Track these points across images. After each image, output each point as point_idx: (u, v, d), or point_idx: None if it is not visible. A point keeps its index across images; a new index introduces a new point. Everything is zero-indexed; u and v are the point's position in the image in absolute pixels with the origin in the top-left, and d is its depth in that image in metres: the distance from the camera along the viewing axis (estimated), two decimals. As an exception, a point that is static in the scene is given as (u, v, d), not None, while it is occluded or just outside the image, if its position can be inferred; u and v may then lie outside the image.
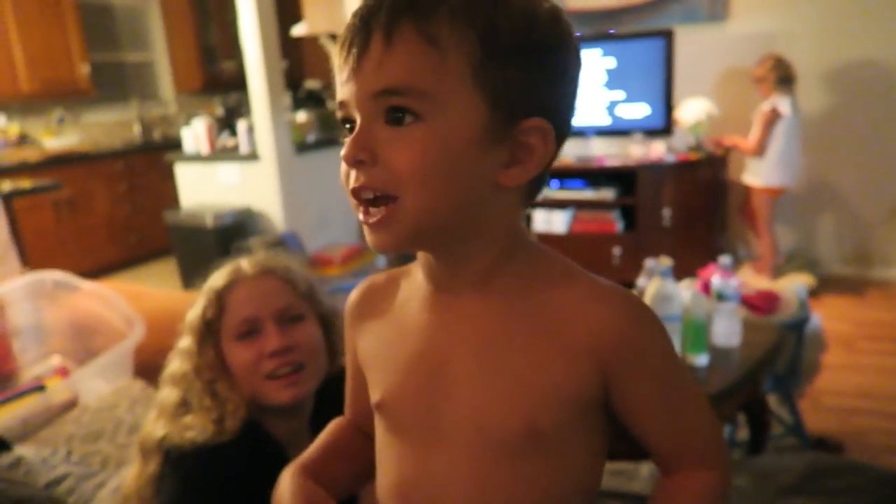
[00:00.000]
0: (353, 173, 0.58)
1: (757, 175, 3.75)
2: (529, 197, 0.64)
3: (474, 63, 0.55)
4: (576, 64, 0.61)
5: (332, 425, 0.79)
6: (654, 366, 0.63)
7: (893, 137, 3.87)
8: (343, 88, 0.58)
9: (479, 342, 0.62)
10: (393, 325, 0.68)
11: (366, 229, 0.59)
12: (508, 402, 0.61)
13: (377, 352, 0.69)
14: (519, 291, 0.63)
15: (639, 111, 3.96)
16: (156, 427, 1.02)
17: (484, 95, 0.56)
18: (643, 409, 0.64)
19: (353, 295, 0.75)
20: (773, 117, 3.59)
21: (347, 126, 0.59)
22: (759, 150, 3.66)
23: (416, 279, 0.68)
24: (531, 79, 0.57)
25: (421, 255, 0.66)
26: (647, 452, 0.68)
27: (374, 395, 0.68)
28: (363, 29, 0.55)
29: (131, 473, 1.03)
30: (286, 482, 0.70)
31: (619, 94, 3.98)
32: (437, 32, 0.54)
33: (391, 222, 0.57)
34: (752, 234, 4.14)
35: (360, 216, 0.59)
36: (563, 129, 0.61)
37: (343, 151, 0.57)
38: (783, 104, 3.58)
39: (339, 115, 0.60)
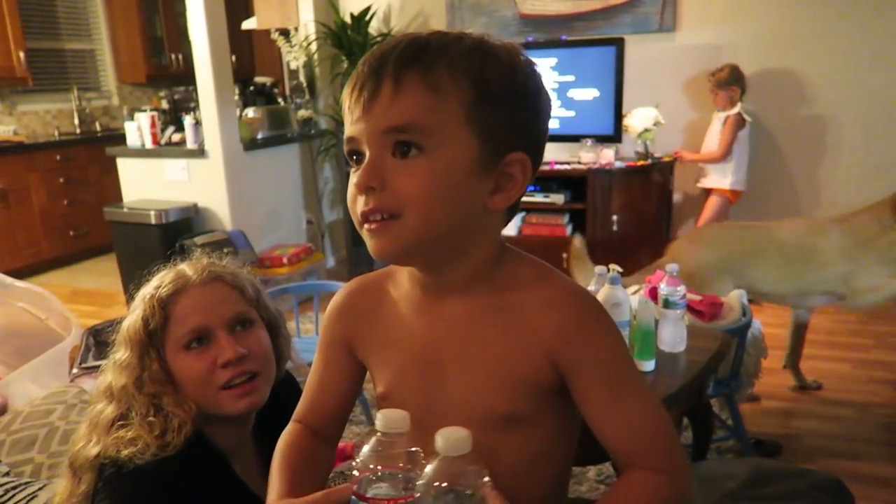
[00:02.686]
0: (361, 198, 0.68)
1: (721, 180, 3.87)
2: (508, 218, 0.76)
3: (468, 106, 0.66)
4: (547, 105, 0.73)
5: (290, 444, 0.83)
6: (599, 362, 0.72)
7: (831, 145, 4.03)
8: (353, 126, 0.68)
9: (462, 342, 0.74)
10: (390, 327, 0.79)
11: (367, 234, 0.68)
12: (486, 392, 0.73)
13: (378, 350, 0.81)
14: (495, 295, 0.74)
15: (589, 118, 4.02)
16: (88, 443, 0.96)
17: (476, 133, 0.67)
18: (592, 403, 0.72)
19: (342, 295, 0.85)
20: (741, 122, 3.74)
21: (355, 158, 0.69)
22: (726, 155, 3.79)
23: (402, 284, 0.79)
24: (514, 118, 0.69)
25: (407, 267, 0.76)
26: (607, 453, 0.74)
27: (379, 388, 0.81)
28: (373, 76, 0.66)
29: (60, 491, 0.97)
30: None
31: (570, 100, 4.03)
32: (437, 80, 0.65)
33: (392, 232, 0.67)
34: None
35: (365, 227, 0.68)
36: (537, 161, 0.72)
37: (356, 179, 0.67)
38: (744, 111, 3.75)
39: (347, 148, 0.70)
